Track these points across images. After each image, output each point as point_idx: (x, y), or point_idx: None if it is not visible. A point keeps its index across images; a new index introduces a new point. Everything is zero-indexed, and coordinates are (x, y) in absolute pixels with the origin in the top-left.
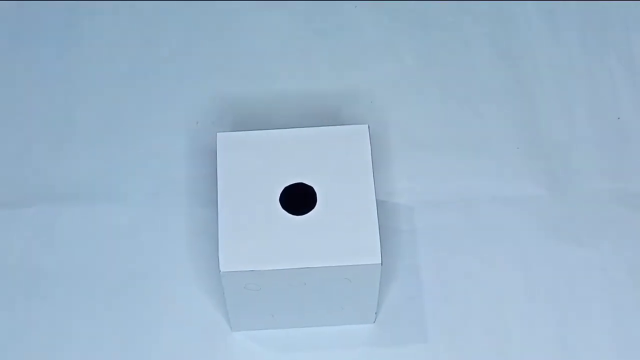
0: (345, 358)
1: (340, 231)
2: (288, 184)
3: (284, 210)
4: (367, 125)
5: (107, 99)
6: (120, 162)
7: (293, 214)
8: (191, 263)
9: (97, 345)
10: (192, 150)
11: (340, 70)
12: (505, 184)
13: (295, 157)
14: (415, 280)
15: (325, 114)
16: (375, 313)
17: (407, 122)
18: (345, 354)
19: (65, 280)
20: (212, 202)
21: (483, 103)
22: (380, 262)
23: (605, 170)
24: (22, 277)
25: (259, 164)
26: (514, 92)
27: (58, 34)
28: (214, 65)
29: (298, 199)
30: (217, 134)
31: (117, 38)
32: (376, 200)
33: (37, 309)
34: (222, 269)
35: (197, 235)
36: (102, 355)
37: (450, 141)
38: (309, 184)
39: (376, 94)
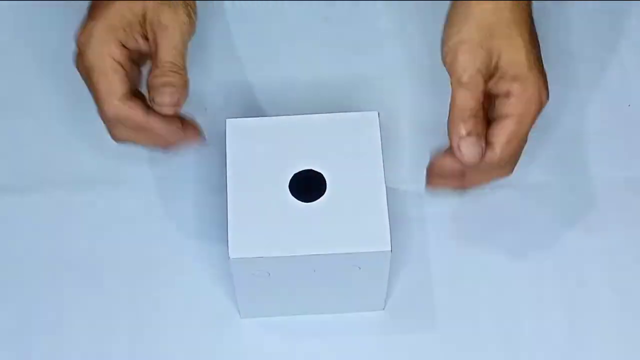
0: (355, 345)
1: (349, 218)
2: (297, 171)
3: (293, 197)
4: (377, 112)
5: None
6: (128, 148)
7: (302, 200)
8: (200, 249)
9: (104, 331)
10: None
11: (350, 57)
12: (515, 171)
13: (304, 143)
14: (424, 268)
15: (335, 101)
16: (385, 300)
17: (416, 108)
18: (354, 340)
19: (71, 266)
20: (221, 189)
21: None
22: (390, 249)
23: (615, 158)
24: (28, 263)
25: (269, 150)
26: None
27: (62, 21)
28: (222, 52)
29: (307, 185)
30: (227, 120)
31: None
32: (386, 187)
33: (43, 294)
34: (231, 255)
35: (206, 222)
36: (110, 340)
37: None
38: (318, 170)
39: (386, 80)
